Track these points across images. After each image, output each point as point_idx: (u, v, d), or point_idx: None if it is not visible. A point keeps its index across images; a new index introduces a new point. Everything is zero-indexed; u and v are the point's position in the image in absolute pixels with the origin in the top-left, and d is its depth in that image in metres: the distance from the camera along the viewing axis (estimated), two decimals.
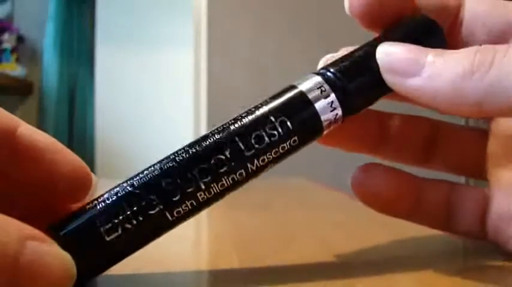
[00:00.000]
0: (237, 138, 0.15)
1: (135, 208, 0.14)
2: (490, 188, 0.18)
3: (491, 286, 0.15)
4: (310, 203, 0.43)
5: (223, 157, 0.15)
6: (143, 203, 0.14)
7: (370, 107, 0.18)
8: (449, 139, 0.20)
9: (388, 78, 0.16)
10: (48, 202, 0.15)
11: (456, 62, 0.15)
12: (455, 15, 0.18)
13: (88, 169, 0.15)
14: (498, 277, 0.16)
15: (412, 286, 0.15)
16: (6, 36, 1.84)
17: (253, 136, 0.15)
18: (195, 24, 1.41)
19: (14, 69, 1.82)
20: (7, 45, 1.83)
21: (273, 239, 0.24)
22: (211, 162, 0.15)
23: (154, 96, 1.79)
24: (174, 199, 0.14)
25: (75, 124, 1.88)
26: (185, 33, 1.52)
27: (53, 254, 0.12)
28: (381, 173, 0.19)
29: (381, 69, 0.16)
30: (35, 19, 1.90)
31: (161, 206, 0.14)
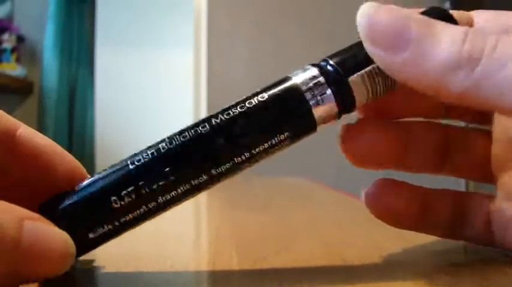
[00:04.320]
0: (212, 118, 0.15)
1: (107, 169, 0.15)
2: (496, 192, 0.18)
3: None
4: (310, 203, 0.43)
5: (191, 124, 0.15)
6: (119, 164, 0.15)
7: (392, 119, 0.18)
8: (459, 144, 0.19)
9: (370, 49, 0.15)
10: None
11: (443, 47, 0.14)
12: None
13: (84, 170, 0.16)
14: (499, 279, 0.16)
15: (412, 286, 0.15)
16: (6, 36, 1.84)
17: (227, 111, 0.15)
18: (195, 24, 1.41)
19: (14, 69, 1.82)
20: (7, 45, 1.83)
21: (273, 239, 0.24)
22: (186, 133, 0.15)
23: (154, 96, 1.79)
24: (137, 159, 0.15)
25: (75, 124, 1.88)
26: (185, 33, 1.52)
27: (52, 233, 0.12)
28: (395, 188, 0.19)
29: (361, 36, 0.15)
30: (35, 19, 1.90)
31: (130, 165, 0.15)
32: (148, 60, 1.80)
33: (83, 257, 0.15)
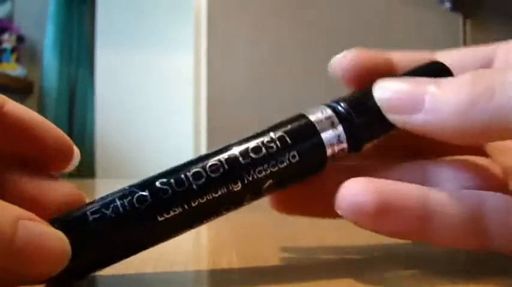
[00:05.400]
0: (234, 148, 0.15)
1: (124, 200, 0.14)
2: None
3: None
4: None
5: (217, 163, 0.15)
6: (134, 197, 0.14)
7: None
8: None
9: (391, 117, 0.16)
10: (36, 170, 0.16)
11: (456, 91, 0.15)
12: None
13: (70, 141, 0.16)
14: (501, 278, 0.16)
15: (413, 285, 0.15)
16: (6, 36, 1.84)
17: (250, 147, 0.15)
18: (195, 25, 1.41)
19: (14, 69, 1.82)
20: (7, 45, 1.83)
21: (273, 239, 0.24)
22: (206, 167, 0.15)
23: (154, 96, 1.79)
24: (164, 197, 0.14)
25: (75, 124, 1.88)
26: (185, 34, 1.52)
27: (47, 232, 0.13)
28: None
29: (382, 109, 0.16)
30: (35, 19, 1.90)
31: (150, 201, 0.14)
32: (149, 60, 1.80)
33: None
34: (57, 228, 0.13)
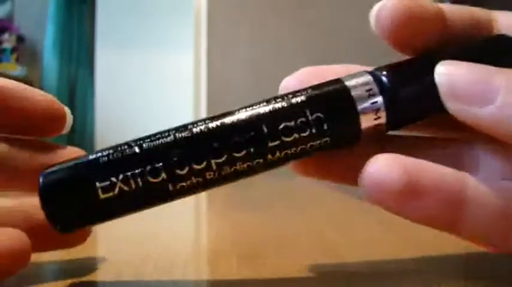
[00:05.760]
0: (263, 125, 0.14)
1: (136, 171, 0.13)
2: None
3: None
4: (310, 203, 0.43)
5: (242, 141, 0.14)
6: (147, 168, 0.13)
7: None
8: None
9: (452, 106, 0.14)
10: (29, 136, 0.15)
11: None
12: (487, 31, 0.16)
13: (59, 102, 0.16)
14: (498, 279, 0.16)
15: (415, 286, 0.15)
16: (6, 36, 1.84)
17: (281, 126, 0.14)
18: (196, 25, 1.41)
19: (14, 69, 1.82)
20: (7, 45, 1.83)
21: (273, 239, 0.24)
22: (229, 142, 0.14)
23: (154, 96, 1.79)
24: (180, 173, 0.13)
25: (75, 124, 1.88)
26: (185, 34, 1.52)
27: (5, 233, 0.13)
28: None
29: (442, 95, 0.14)
30: (35, 19, 1.90)
31: (165, 176, 0.13)
32: (149, 60, 1.80)
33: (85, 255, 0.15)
34: (55, 188, 0.13)
